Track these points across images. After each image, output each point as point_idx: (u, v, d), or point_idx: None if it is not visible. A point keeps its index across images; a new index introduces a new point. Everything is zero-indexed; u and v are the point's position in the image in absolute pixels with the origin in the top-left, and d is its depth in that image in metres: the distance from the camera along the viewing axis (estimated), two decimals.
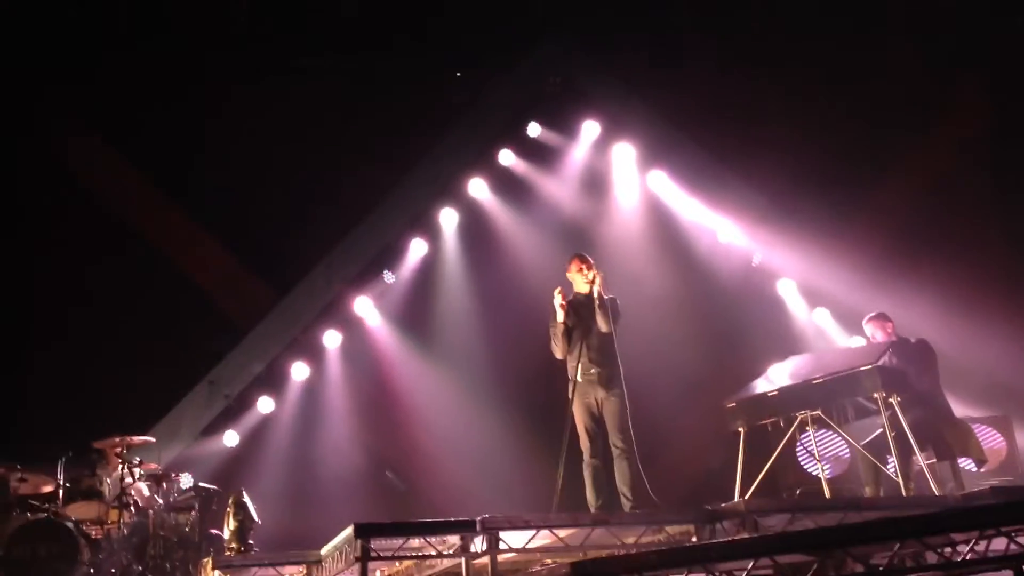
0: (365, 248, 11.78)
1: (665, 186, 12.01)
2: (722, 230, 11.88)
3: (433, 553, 6.08)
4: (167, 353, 10.50)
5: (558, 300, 7.28)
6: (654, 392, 7.23)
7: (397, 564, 6.77)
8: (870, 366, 7.34)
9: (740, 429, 7.72)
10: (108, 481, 9.02)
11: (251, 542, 7.80)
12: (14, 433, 9.60)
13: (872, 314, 8.33)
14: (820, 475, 8.43)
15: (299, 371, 11.18)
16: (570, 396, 7.26)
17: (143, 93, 10.70)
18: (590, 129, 12.04)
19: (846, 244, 11.16)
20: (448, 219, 11.83)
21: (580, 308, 7.35)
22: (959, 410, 8.52)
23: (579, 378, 7.22)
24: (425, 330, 11.55)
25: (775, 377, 8.00)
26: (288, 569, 7.32)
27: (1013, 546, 4.54)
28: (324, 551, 6.73)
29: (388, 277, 11.65)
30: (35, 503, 8.68)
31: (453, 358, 11.35)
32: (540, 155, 12.00)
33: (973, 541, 4.85)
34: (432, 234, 11.81)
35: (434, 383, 11.31)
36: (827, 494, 8.01)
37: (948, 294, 10.27)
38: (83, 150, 10.94)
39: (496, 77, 12.01)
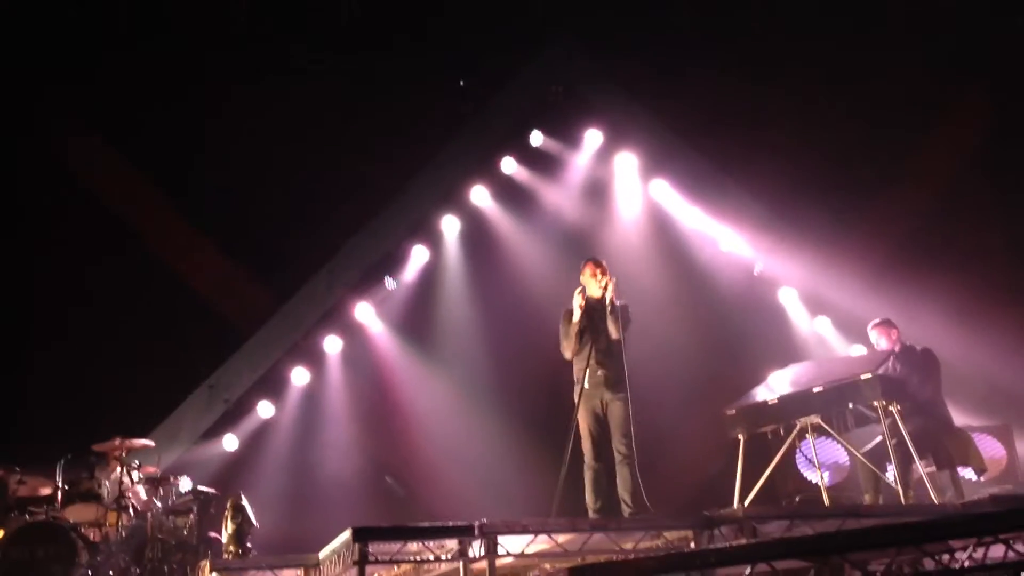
0: (367, 254, 11.79)
1: (667, 195, 12.03)
2: (724, 239, 11.89)
3: (431, 557, 6.06)
4: (167, 356, 10.50)
5: (578, 300, 7.30)
6: (655, 399, 7.23)
7: (395, 568, 6.74)
8: (870, 374, 7.36)
9: (740, 436, 7.73)
10: (107, 484, 9.00)
11: (249, 545, 7.79)
12: (13, 435, 9.60)
13: (877, 320, 8.33)
14: (819, 483, 8.43)
15: (299, 376, 11.19)
16: (576, 398, 7.27)
17: (143, 93, 10.72)
18: (592, 138, 12.06)
19: (848, 252, 11.17)
20: (450, 226, 11.84)
21: (592, 312, 7.37)
22: (959, 419, 8.51)
23: (586, 381, 7.23)
24: (426, 337, 11.56)
25: (775, 385, 8.01)
26: (286, 572, 7.30)
27: (1011, 553, 4.53)
28: (322, 555, 6.71)
29: (389, 283, 11.66)
30: (34, 505, 8.68)
31: (453, 365, 11.36)
32: (542, 163, 12.02)
33: (971, 548, 4.84)
34: (434, 241, 11.82)
35: (434, 390, 11.31)
36: (826, 502, 8.01)
37: (949, 302, 10.28)
38: (83, 150, 10.95)
39: (499, 85, 12.03)
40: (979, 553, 4.88)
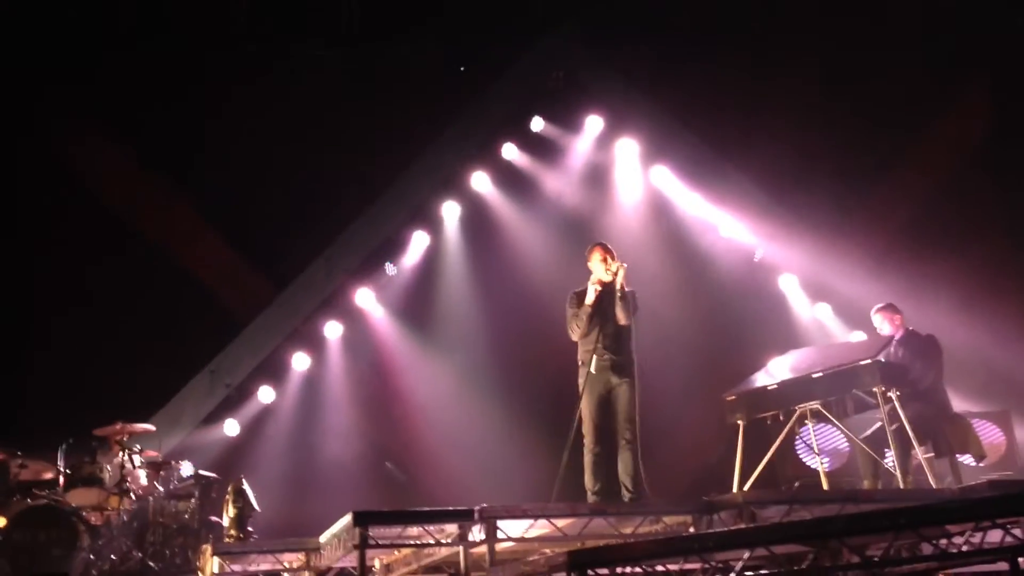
0: (367, 240, 11.79)
1: (668, 181, 12.02)
2: (724, 225, 11.88)
3: (431, 541, 6.08)
4: (169, 341, 10.53)
5: (594, 284, 7.30)
6: (655, 385, 7.23)
7: (395, 552, 6.77)
8: (870, 360, 7.36)
9: (739, 422, 7.74)
10: (108, 468, 9.03)
11: (250, 529, 7.84)
12: (15, 419, 9.62)
13: (881, 305, 8.26)
14: (819, 468, 8.45)
15: (300, 361, 11.20)
16: (581, 382, 7.29)
17: (143, 92, 10.72)
18: (593, 124, 12.04)
19: (848, 239, 11.17)
20: (450, 212, 11.84)
21: (600, 296, 7.36)
22: (959, 405, 8.52)
23: (592, 365, 7.24)
24: (426, 322, 11.57)
25: (775, 371, 8.03)
26: (287, 556, 7.35)
27: (1008, 538, 4.54)
28: (323, 539, 6.74)
29: (390, 269, 11.68)
30: (36, 489, 8.70)
31: (454, 350, 11.38)
32: (543, 149, 12.00)
33: (968, 533, 4.86)
34: (434, 227, 11.82)
35: (435, 375, 11.33)
36: (825, 487, 8.03)
37: (949, 289, 10.29)
38: (83, 150, 10.94)
39: (499, 71, 12.00)
40: (976, 538, 4.91)
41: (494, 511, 5.86)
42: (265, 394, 11.05)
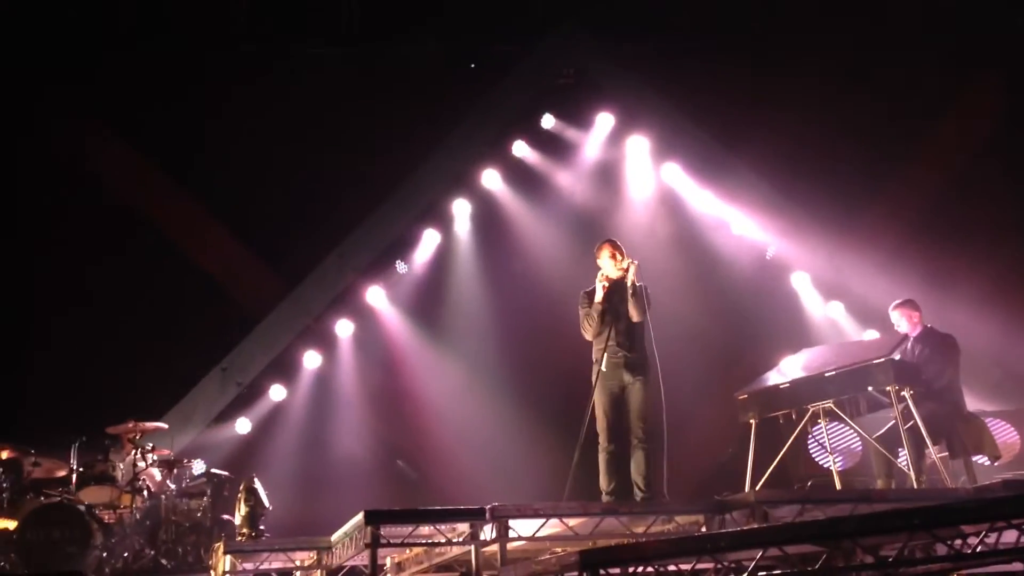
0: (378, 238, 11.80)
1: (679, 178, 11.99)
2: (736, 222, 11.85)
3: (443, 540, 6.07)
4: (181, 340, 10.55)
5: (601, 281, 7.28)
6: (667, 384, 7.18)
7: (407, 551, 6.78)
8: (883, 358, 7.31)
9: (752, 421, 7.71)
10: (121, 466, 9.07)
11: (262, 528, 7.84)
12: (28, 418, 9.67)
13: (899, 300, 8.15)
14: (832, 467, 8.42)
15: (311, 360, 11.22)
16: (594, 380, 7.27)
17: (143, 92, 10.74)
18: (604, 121, 12.02)
19: (860, 236, 11.12)
20: (461, 210, 11.83)
21: (611, 293, 7.33)
22: (974, 404, 8.45)
23: (604, 363, 7.21)
24: (437, 320, 11.58)
25: (788, 369, 7.99)
26: (298, 555, 7.37)
27: None
28: (334, 537, 6.75)
29: (401, 267, 11.68)
30: (48, 487, 8.76)
31: (465, 348, 11.38)
32: (554, 147, 12.00)
33: (983, 533, 4.82)
34: (445, 225, 11.82)
35: (446, 373, 11.34)
36: (838, 486, 7.99)
37: (962, 287, 10.22)
38: (83, 150, 10.96)
39: (505, 69, 11.99)
40: (991, 538, 4.86)
41: (506, 510, 5.85)
42: (277, 392, 11.08)
